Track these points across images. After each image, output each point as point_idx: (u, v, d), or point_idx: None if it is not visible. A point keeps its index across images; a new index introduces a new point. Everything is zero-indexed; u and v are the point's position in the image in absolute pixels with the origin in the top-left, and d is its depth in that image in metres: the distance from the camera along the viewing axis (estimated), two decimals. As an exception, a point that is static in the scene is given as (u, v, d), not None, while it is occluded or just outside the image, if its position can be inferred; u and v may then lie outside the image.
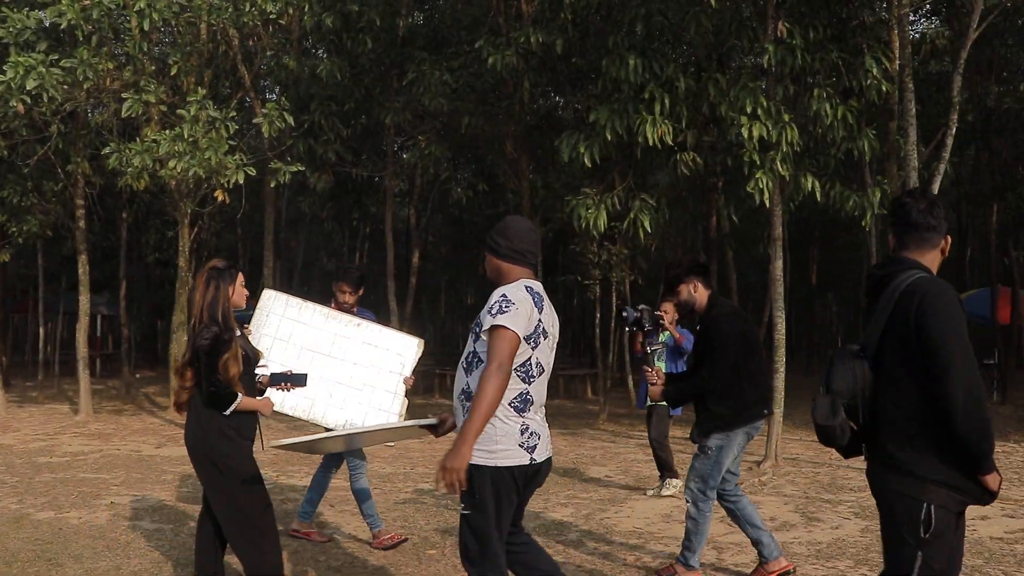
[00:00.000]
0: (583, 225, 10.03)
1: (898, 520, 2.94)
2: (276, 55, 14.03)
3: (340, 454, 5.93)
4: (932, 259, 3.14)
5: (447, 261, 25.13)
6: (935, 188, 9.00)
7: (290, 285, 25.18)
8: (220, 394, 4.31)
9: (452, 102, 12.59)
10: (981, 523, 6.31)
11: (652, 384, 5.13)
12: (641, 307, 5.25)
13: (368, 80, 14.27)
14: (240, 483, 4.36)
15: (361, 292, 6.07)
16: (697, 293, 5.16)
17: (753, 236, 17.16)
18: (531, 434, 3.46)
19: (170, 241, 17.49)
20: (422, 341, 5.85)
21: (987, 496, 2.93)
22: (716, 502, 5.08)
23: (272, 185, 13.11)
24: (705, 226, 12.78)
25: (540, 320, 3.48)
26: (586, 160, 9.66)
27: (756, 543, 5.09)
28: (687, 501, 5.06)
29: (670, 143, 9.47)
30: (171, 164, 10.77)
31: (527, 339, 3.41)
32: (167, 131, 11.02)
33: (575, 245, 12.91)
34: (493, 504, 3.43)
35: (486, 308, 3.45)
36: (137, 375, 21.31)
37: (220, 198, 12.09)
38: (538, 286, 3.58)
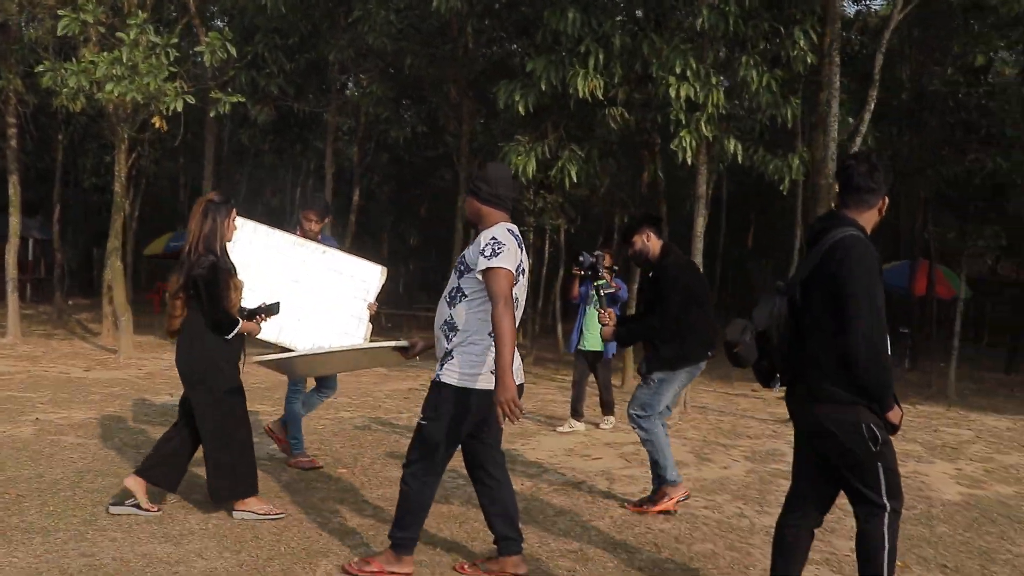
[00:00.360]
0: (513, 171, 10.31)
1: (844, 449, 3.35)
2: (223, -17, 13.89)
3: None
4: (869, 218, 3.52)
5: (391, 201, 25.17)
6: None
7: (231, 218, 25.02)
8: (224, 321, 4.69)
9: (396, 42, 12.63)
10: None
11: (604, 325, 5.47)
12: (596, 253, 5.62)
13: (316, 15, 14.19)
14: (228, 407, 4.78)
15: (327, 220, 6.30)
16: (650, 243, 5.51)
17: (684, 195, 17.59)
18: None
19: (108, 166, 17.24)
20: (385, 269, 6.12)
21: (891, 428, 3.38)
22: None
23: (212, 115, 13.05)
24: (639, 182, 13.12)
25: (521, 260, 3.86)
26: (520, 108, 9.92)
27: (656, 479, 5.50)
28: (634, 428, 5.46)
29: (600, 97, 9.75)
30: (108, 87, 10.66)
31: (515, 274, 3.79)
32: (105, 53, 10.90)
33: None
34: (450, 420, 3.85)
35: (477, 250, 3.82)
36: (70, 302, 21.08)
37: (158, 125, 12.02)
38: (516, 229, 3.96)
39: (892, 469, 3.37)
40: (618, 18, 9.84)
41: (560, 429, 8.27)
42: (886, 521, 3.35)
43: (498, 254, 3.74)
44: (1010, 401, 13.29)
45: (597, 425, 8.49)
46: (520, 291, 3.93)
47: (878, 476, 3.34)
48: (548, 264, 17.09)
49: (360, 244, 19.14)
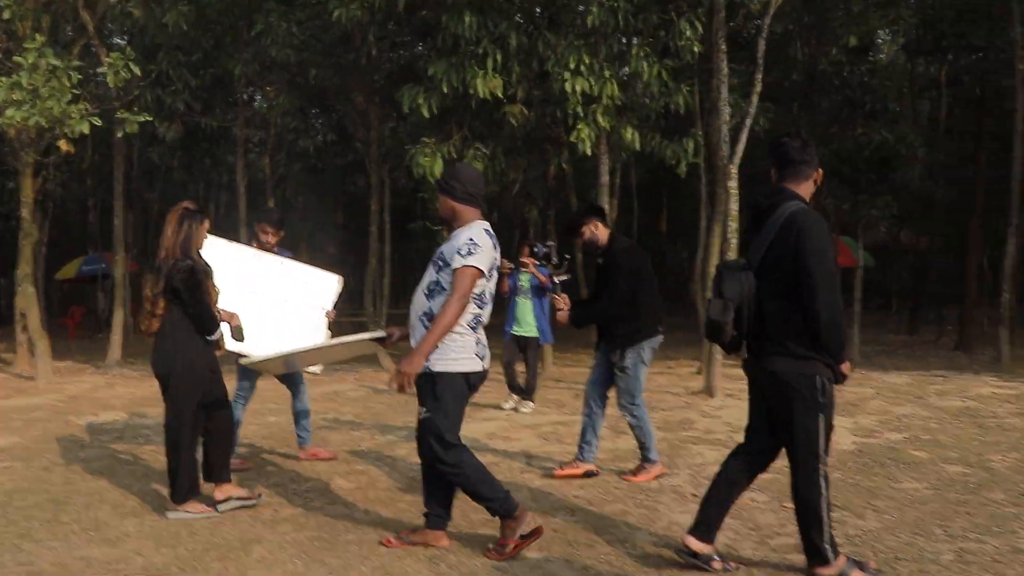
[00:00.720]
0: (420, 172, 10.60)
1: (798, 397, 3.75)
2: (121, 2, 13.73)
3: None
4: (807, 189, 3.93)
5: (306, 211, 25.11)
6: (742, 139, 9.97)
7: (145, 237, 24.62)
8: (208, 321, 4.96)
9: (300, 54, 12.76)
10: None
11: (560, 310, 5.81)
12: (549, 243, 6.00)
13: (218, 30, 14.18)
14: (195, 414, 5.06)
15: (282, 233, 6.51)
16: (598, 231, 5.91)
17: (591, 185, 18.10)
18: (481, 346, 4.27)
19: (11, 192, 16.88)
20: (341, 278, 6.38)
21: (842, 377, 3.81)
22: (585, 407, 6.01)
23: (119, 135, 12.96)
24: (545, 174, 13.52)
25: (494, 258, 4.22)
26: (424, 111, 10.21)
27: (584, 445, 5.97)
28: (624, 416, 5.91)
29: (501, 96, 10.11)
30: (9, 113, 10.56)
31: (486, 273, 4.15)
32: (4, 79, 10.78)
33: (424, 193, 13.42)
34: (452, 405, 4.18)
35: (454, 248, 4.15)
36: (-19, 334, 20.53)
37: (64, 149, 11.91)
38: (490, 228, 4.31)
39: (830, 424, 3.81)
40: (514, 18, 10.19)
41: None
42: (820, 471, 3.77)
43: (473, 254, 4.09)
44: (911, 359, 14.17)
45: (516, 410, 8.86)
46: (492, 285, 4.29)
47: (818, 428, 3.75)
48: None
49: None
